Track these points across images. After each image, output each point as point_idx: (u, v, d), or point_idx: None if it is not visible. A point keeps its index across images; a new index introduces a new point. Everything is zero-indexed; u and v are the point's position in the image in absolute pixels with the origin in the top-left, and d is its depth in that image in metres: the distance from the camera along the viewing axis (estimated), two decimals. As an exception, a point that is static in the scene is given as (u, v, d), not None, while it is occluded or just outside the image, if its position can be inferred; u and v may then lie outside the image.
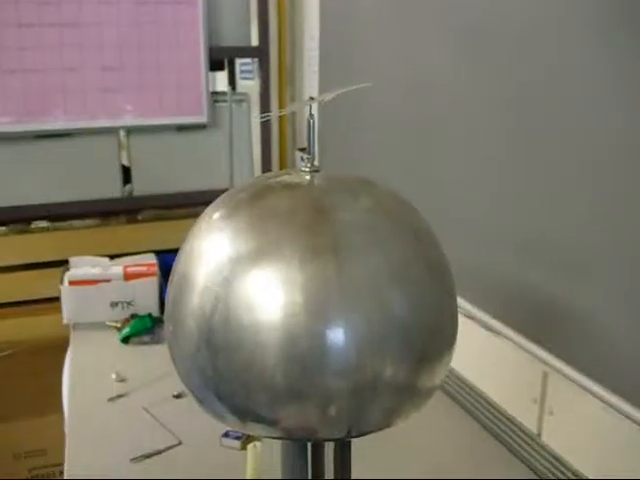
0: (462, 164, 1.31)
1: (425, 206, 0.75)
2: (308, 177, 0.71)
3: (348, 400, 0.63)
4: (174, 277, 0.70)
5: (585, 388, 1.03)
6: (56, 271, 1.80)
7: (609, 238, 0.97)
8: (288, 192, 0.69)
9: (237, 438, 1.21)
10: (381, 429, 0.68)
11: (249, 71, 2.32)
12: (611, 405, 0.98)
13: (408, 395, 0.67)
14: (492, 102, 1.20)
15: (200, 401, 0.70)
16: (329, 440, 0.73)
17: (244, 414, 0.66)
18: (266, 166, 2.29)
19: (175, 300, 0.68)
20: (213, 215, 0.69)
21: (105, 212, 2.17)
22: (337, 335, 0.61)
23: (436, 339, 0.67)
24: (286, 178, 0.73)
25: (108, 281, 1.70)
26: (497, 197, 1.21)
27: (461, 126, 1.30)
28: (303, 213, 0.65)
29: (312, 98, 0.71)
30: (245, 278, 0.62)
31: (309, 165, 0.72)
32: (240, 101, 2.22)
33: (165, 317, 0.72)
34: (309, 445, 0.76)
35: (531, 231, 1.13)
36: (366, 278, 0.63)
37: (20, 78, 1.95)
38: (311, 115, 0.71)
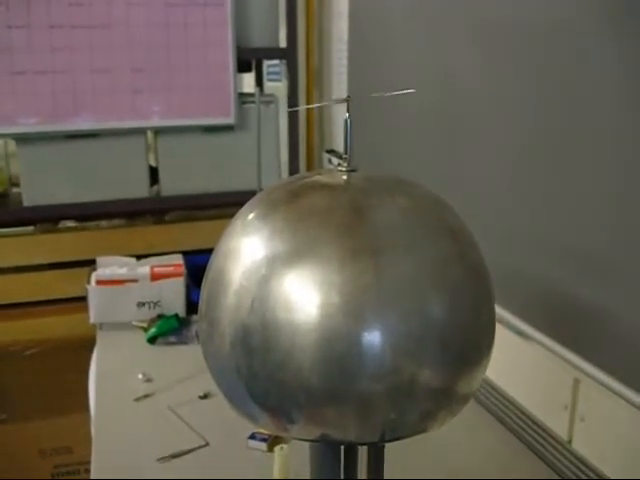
0: (492, 164, 1.29)
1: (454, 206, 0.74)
2: (344, 177, 0.71)
3: (384, 404, 0.63)
4: (209, 276, 0.70)
5: (617, 394, 1.01)
6: (83, 271, 1.81)
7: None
8: (325, 192, 0.68)
9: (263, 440, 1.21)
10: (416, 434, 0.67)
11: (277, 73, 2.31)
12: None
13: (444, 400, 0.66)
14: (523, 102, 1.18)
15: (233, 401, 0.70)
16: (363, 444, 0.72)
17: (278, 415, 0.65)
18: (294, 168, 2.28)
19: (210, 299, 0.68)
20: (249, 214, 0.69)
21: (132, 212, 2.18)
22: (374, 337, 0.60)
23: (474, 342, 0.66)
24: (321, 178, 0.72)
25: (135, 281, 1.71)
26: (527, 197, 1.19)
27: (491, 126, 1.28)
28: (341, 213, 0.64)
29: (349, 97, 0.70)
30: (282, 278, 0.62)
31: (345, 165, 0.71)
32: (268, 103, 2.21)
33: (199, 316, 0.71)
34: (341, 447, 0.75)
35: (561, 232, 1.11)
36: (404, 279, 0.62)
37: (50, 79, 1.97)
38: (349, 115, 0.70)
